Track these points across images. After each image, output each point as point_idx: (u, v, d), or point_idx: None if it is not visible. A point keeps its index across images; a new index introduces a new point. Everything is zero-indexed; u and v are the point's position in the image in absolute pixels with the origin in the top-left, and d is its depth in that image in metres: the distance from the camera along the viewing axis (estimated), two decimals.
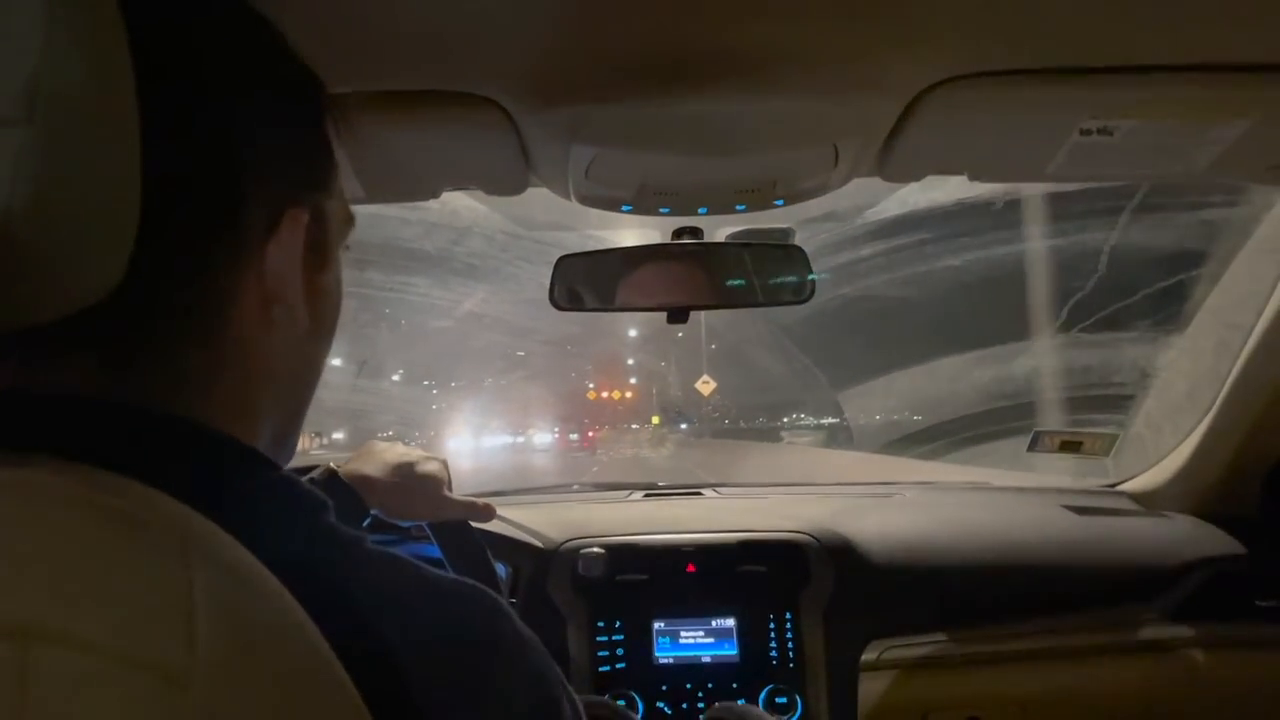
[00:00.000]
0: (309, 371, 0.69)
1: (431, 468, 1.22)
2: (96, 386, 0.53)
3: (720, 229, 1.52)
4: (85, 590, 0.38)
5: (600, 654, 1.72)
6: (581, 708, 0.63)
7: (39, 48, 0.41)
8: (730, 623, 1.75)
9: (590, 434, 46.93)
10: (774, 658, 1.72)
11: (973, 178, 1.25)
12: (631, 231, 1.69)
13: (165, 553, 0.42)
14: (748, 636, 1.74)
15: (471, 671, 0.56)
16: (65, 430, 0.50)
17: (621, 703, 1.66)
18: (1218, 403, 1.83)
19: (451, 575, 0.60)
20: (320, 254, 0.65)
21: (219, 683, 0.39)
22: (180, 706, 0.37)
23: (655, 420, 68.49)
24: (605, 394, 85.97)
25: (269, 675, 0.42)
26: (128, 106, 0.47)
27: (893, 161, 1.15)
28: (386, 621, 0.54)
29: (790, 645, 1.72)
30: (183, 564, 0.42)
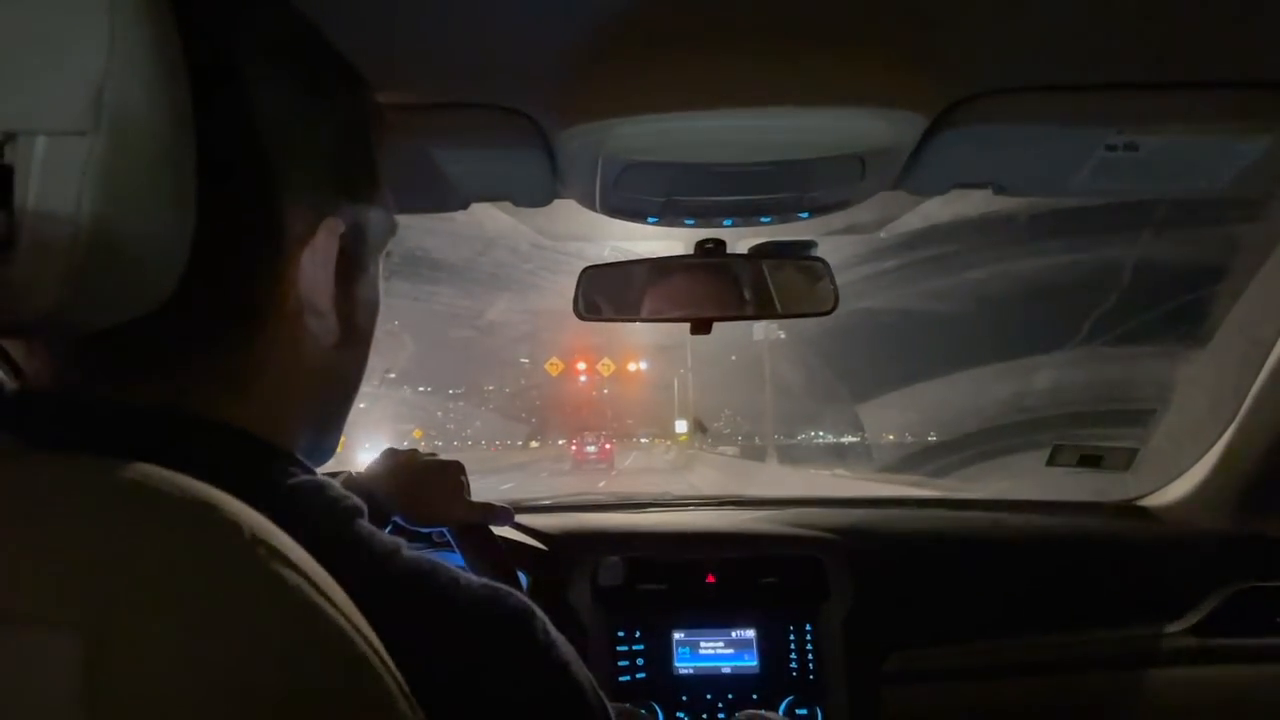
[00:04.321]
0: (345, 379, 0.70)
1: (448, 473, 1.22)
2: (144, 391, 0.55)
3: (743, 240, 1.52)
4: (155, 590, 0.39)
5: (620, 664, 1.72)
6: (611, 710, 0.64)
7: (103, 60, 0.43)
8: (750, 633, 1.74)
9: (608, 446, 45.07)
10: (794, 669, 1.72)
11: (998, 191, 1.25)
12: (654, 242, 1.70)
13: (234, 553, 0.43)
14: (768, 647, 1.73)
15: (507, 673, 0.57)
16: (120, 434, 0.52)
17: (643, 712, 1.66)
18: (1239, 417, 1.82)
19: (484, 580, 0.61)
20: (356, 263, 0.65)
21: (283, 680, 0.40)
22: (246, 704, 0.39)
23: (681, 436, 49.49)
24: (582, 367, 59.78)
25: (330, 673, 0.43)
26: (185, 116, 0.49)
27: (918, 175, 1.15)
28: (426, 626, 0.55)
29: (810, 657, 1.72)
30: (252, 563, 0.43)
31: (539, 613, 0.62)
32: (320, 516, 0.56)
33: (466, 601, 0.58)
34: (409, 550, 0.59)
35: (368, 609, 0.49)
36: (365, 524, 0.59)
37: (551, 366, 58.67)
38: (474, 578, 0.60)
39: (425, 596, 0.57)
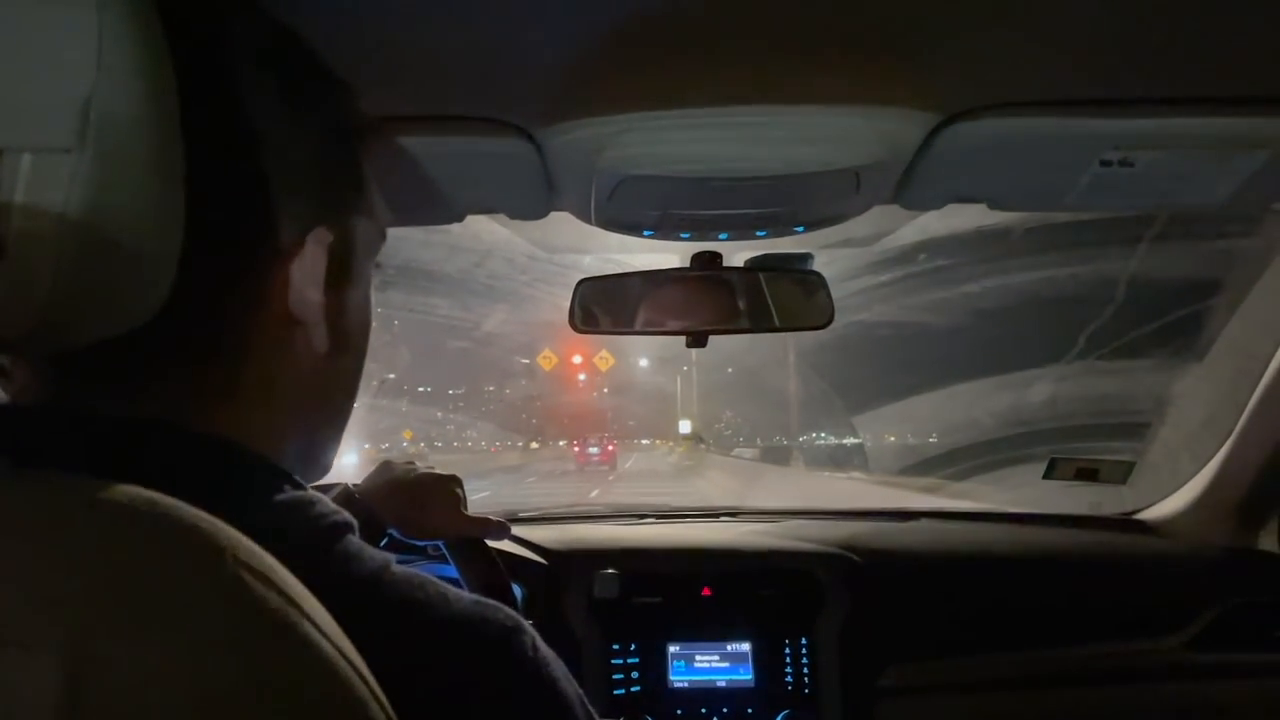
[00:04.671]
0: (337, 390, 0.69)
1: (446, 486, 1.22)
2: (131, 404, 0.54)
3: (739, 253, 1.52)
4: (136, 615, 0.39)
5: (615, 677, 1.72)
6: None
7: (90, 76, 0.43)
8: (746, 647, 1.74)
9: (610, 448, 44.62)
10: (789, 683, 1.71)
11: (992, 207, 1.25)
12: (650, 255, 1.70)
13: (216, 576, 0.42)
14: (763, 661, 1.73)
15: (494, 690, 0.56)
16: (106, 448, 0.51)
17: None
18: (1236, 431, 1.82)
19: (473, 595, 0.60)
20: (345, 272, 0.65)
21: (265, 705, 0.40)
22: None
23: (684, 444, 49.10)
24: (578, 361, 57.95)
25: (313, 698, 0.43)
26: (173, 131, 0.48)
27: (913, 189, 1.15)
28: (411, 643, 0.54)
29: (806, 670, 1.71)
30: (234, 587, 0.42)
31: (528, 628, 0.61)
32: (307, 532, 0.56)
33: (454, 618, 0.58)
34: (397, 566, 0.58)
35: (354, 627, 0.48)
36: (355, 540, 0.58)
37: (544, 360, 55.27)
38: (463, 594, 0.60)
39: (412, 614, 0.56)
